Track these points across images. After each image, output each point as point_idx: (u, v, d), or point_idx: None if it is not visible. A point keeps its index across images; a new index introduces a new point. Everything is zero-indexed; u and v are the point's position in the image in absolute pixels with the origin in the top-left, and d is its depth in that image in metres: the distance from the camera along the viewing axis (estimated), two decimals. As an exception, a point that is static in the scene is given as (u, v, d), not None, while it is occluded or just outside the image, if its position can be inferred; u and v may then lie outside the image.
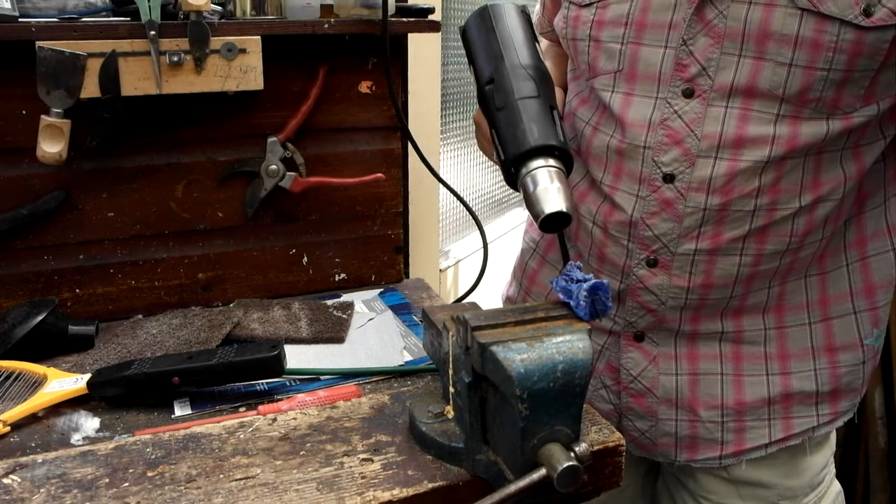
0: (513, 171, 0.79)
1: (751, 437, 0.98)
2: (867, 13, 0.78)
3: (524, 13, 0.90)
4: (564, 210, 0.74)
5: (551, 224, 0.75)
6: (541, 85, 0.82)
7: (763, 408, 0.97)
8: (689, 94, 0.86)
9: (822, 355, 0.97)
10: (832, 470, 1.08)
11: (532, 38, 0.87)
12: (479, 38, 0.88)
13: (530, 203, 0.76)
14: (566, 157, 0.78)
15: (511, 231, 2.52)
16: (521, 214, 2.70)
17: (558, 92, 0.94)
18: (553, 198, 0.74)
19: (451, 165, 2.20)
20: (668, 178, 0.88)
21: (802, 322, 0.96)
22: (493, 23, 0.87)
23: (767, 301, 0.95)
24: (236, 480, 0.71)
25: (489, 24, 0.87)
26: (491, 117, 0.82)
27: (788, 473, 1.01)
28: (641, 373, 0.99)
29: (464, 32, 0.91)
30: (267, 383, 0.93)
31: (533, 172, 0.76)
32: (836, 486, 1.09)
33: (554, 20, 1.00)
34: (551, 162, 0.77)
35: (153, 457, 0.75)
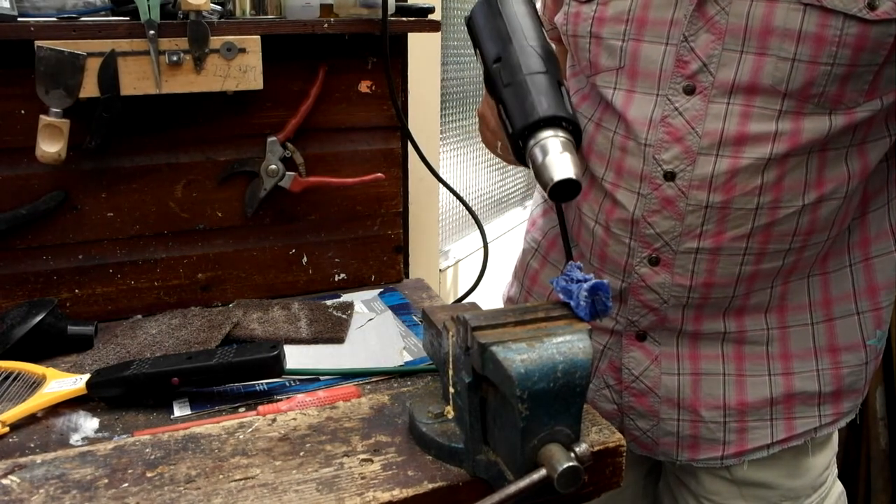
0: (521, 145, 0.78)
1: (753, 438, 0.97)
2: (871, 6, 0.77)
3: (529, 0, 0.90)
4: (574, 177, 0.73)
5: (561, 192, 0.74)
6: (548, 62, 0.81)
7: (765, 408, 0.97)
8: (690, 90, 0.86)
9: (825, 356, 0.97)
10: (834, 471, 1.08)
11: (538, 22, 0.87)
12: (485, 23, 0.88)
13: (539, 172, 0.75)
14: (576, 131, 0.77)
15: (510, 231, 2.51)
16: (520, 214, 2.70)
17: None
18: (564, 165, 0.73)
19: (450, 165, 2.20)
20: (669, 176, 0.88)
21: (805, 322, 0.96)
22: (500, 8, 0.87)
23: (770, 301, 0.94)
24: (236, 481, 0.71)
25: (496, 10, 0.87)
26: (498, 94, 0.81)
27: (791, 474, 1.01)
28: (643, 372, 0.98)
29: (469, 20, 0.91)
30: (266, 383, 0.93)
31: (542, 142, 0.75)
32: (839, 487, 1.09)
33: (555, 17, 1.00)
34: (560, 133, 0.76)
35: (152, 457, 0.75)
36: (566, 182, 0.73)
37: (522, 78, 0.79)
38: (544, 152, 0.75)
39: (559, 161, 0.74)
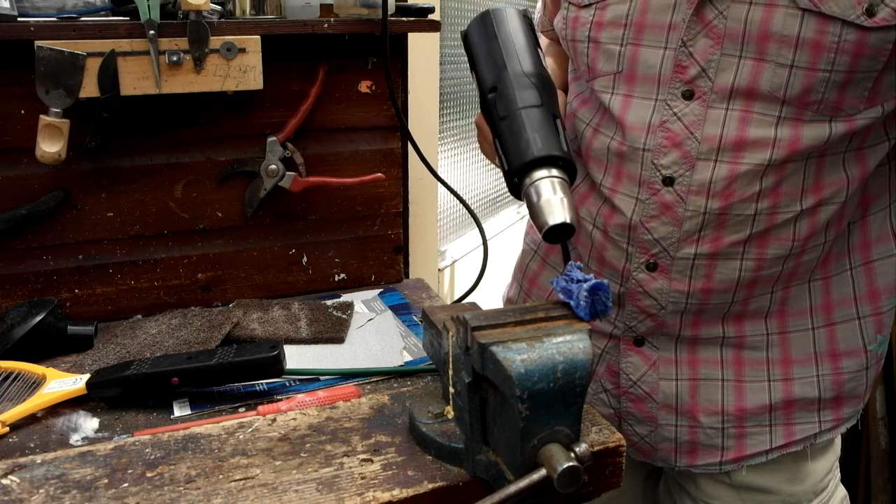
0: (516, 182, 0.78)
1: (751, 444, 0.97)
2: (870, 13, 0.77)
3: (526, 17, 0.90)
4: (568, 222, 0.74)
5: (555, 235, 0.75)
6: (543, 93, 0.82)
7: (764, 414, 0.96)
8: (688, 95, 0.86)
9: (825, 361, 0.96)
10: (837, 475, 1.07)
11: (534, 44, 0.87)
12: (480, 44, 0.88)
13: (534, 214, 0.76)
14: (570, 167, 0.78)
15: (506, 230, 2.52)
16: (513, 214, 2.70)
17: (560, 94, 0.94)
18: (556, 209, 0.75)
19: (447, 165, 2.20)
20: (668, 181, 0.88)
21: (805, 327, 0.95)
22: (495, 28, 0.87)
23: (770, 306, 0.94)
24: (236, 481, 0.71)
25: (491, 31, 0.87)
26: (494, 126, 0.82)
27: (791, 479, 1.00)
28: (641, 378, 0.98)
29: (465, 38, 0.91)
30: (266, 383, 0.93)
31: (536, 183, 0.77)
32: (841, 492, 1.08)
33: (554, 20, 1.00)
34: (554, 172, 0.77)
35: (152, 457, 0.75)
36: (559, 226, 0.75)
37: (517, 112, 0.80)
38: (538, 194, 0.76)
39: (552, 205, 0.75)
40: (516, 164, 0.78)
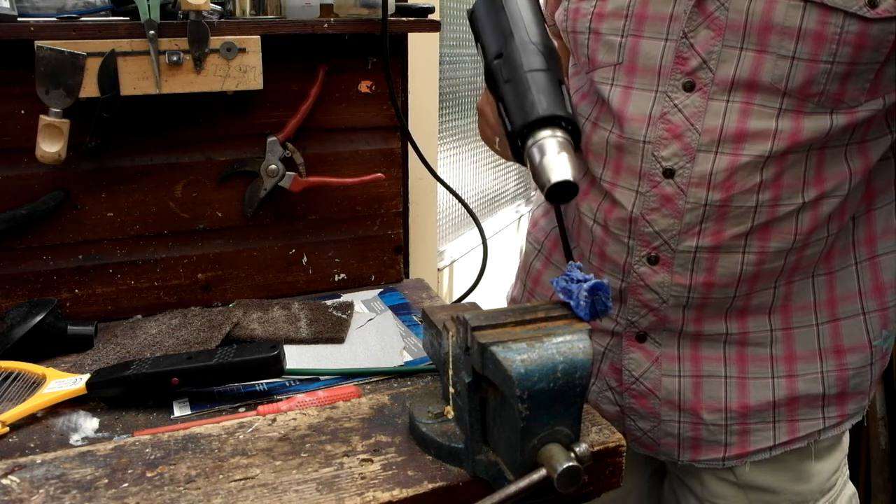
0: (519, 144, 0.77)
1: (755, 440, 0.97)
2: (872, 4, 0.76)
3: None
4: (571, 179, 0.72)
5: (558, 194, 0.74)
6: (549, 60, 0.81)
7: (768, 411, 0.96)
8: (689, 87, 0.86)
9: (830, 357, 0.96)
10: (845, 472, 1.06)
11: (541, 18, 0.87)
12: (487, 17, 0.87)
13: (536, 173, 0.74)
14: (574, 130, 0.77)
15: (504, 229, 2.52)
16: (514, 213, 2.70)
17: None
18: (561, 167, 0.73)
19: (447, 165, 2.20)
20: (668, 174, 0.88)
21: (809, 323, 0.95)
22: (503, 1, 0.87)
23: (773, 301, 0.94)
24: (236, 481, 0.71)
25: (498, 4, 0.87)
26: (498, 91, 0.81)
27: (796, 478, 1.00)
28: (644, 374, 0.98)
29: (472, 14, 0.91)
30: (266, 383, 0.93)
31: (540, 142, 0.75)
32: (850, 490, 1.07)
33: (555, 14, 1.00)
34: (559, 133, 0.76)
35: (152, 457, 0.75)
36: (563, 184, 0.73)
37: (523, 75, 0.79)
38: (542, 153, 0.75)
39: (556, 162, 0.73)
40: (520, 123, 0.76)
